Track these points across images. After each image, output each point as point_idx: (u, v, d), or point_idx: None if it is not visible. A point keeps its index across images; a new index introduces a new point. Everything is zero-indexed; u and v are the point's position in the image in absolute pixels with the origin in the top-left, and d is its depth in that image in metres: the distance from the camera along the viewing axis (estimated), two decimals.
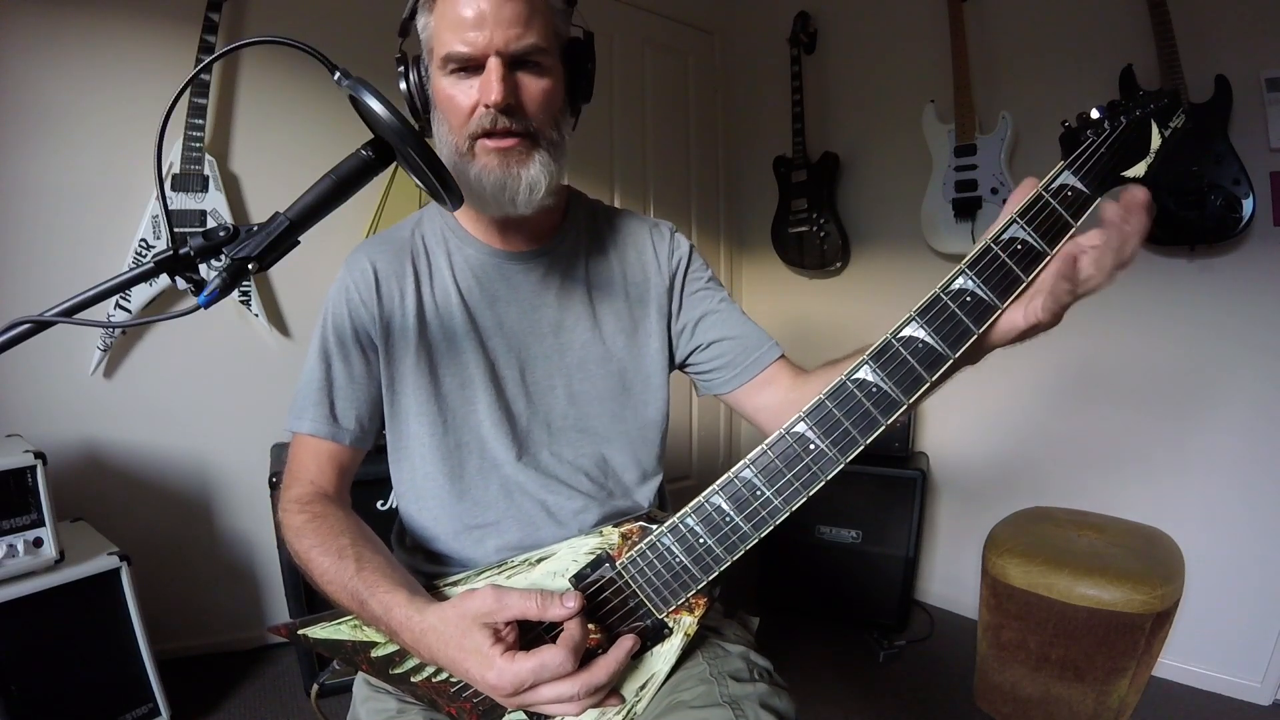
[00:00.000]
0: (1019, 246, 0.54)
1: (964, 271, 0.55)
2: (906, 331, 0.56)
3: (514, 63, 0.69)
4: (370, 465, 0.83)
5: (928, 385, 0.56)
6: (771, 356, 0.85)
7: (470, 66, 0.69)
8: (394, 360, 0.80)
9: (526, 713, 0.69)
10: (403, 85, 0.76)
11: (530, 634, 0.66)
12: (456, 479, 0.81)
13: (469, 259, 0.83)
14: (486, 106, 0.68)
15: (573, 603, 0.62)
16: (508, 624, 0.61)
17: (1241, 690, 1.72)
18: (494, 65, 0.67)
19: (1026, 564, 1.54)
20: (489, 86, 0.67)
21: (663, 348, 0.87)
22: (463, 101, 0.70)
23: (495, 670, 0.58)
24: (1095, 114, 0.56)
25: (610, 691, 0.66)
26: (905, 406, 0.56)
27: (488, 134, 0.70)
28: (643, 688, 0.69)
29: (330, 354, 0.80)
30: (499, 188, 0.71)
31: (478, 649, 0.59)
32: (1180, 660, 1.79)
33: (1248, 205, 1.58)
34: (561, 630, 0.63)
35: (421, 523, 0.83)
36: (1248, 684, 1.72)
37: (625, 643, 0.65)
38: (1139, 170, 0.56)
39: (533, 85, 0.71)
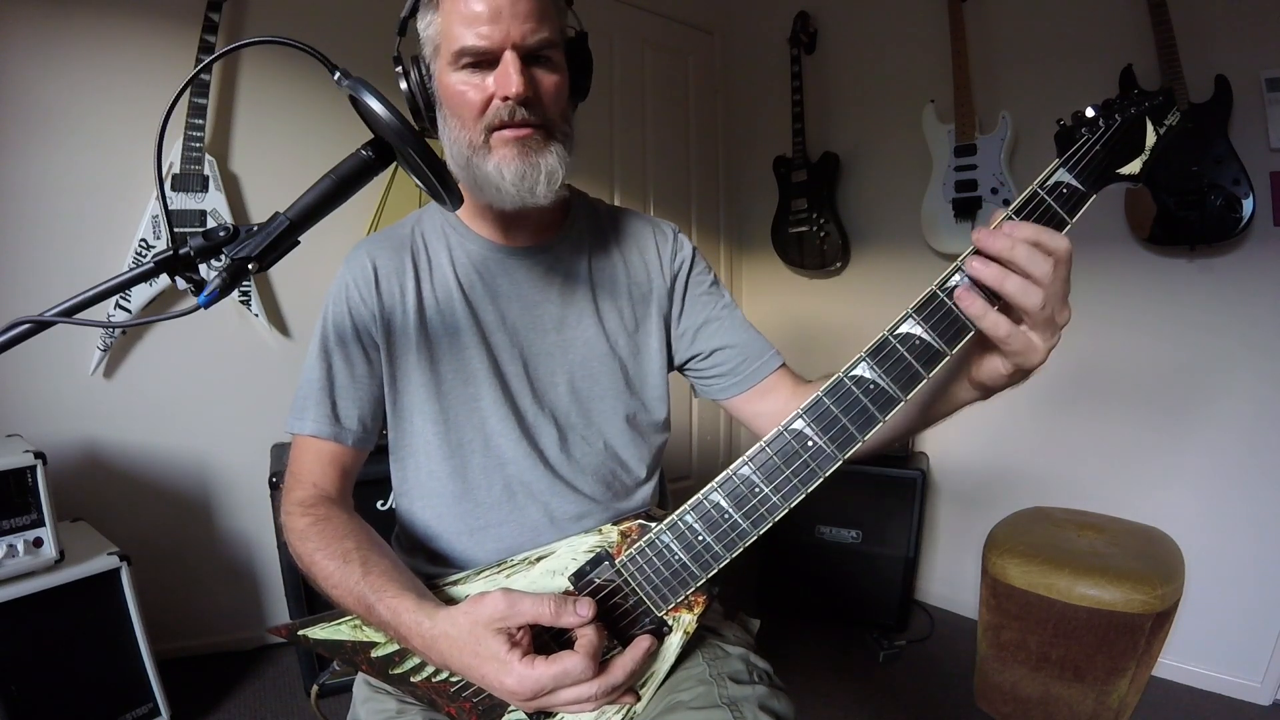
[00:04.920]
0: None
1: (961, 269, 0.55)
2: (904, 329, 0.56)
3: (528, 57, 0.69)
4: (370, 465, 0.83)
5: (924, 381, 0.56)
6: (772, 366, 0.85)
7: (484, 61, 0.69)
8: (395, 357, 0.80)
9: (527, 714, 0.69)
10: (404, 85, 0.75)
11: (539, 637, 0.66)
12: (460, 478, 0.80)
13: (471, 254, 0.83)
14: (505, 99, 0.68)
15: (586, 610, 0.62)
16: (520, 629, 0.61)
17: (1241, 690, 1.72)
18: (511, 58, 0.67)
19: (1026, 564, 1.54)
20: (508, 79, 0.67)
21: (662, 348, 0.88)
22: (475, 96, 0.69)
23: (515, 676, 0.58)
24: (1090, 112, 0.56)
25: (626, 690, 0.66)
26: (903, 403, 0.56)
27: (504, 126, 0.70)
28: (642, 686, 0.69)
29: (331, 352, 0.79)
30: (519, 177, 0.71)
31: (494, 655, 0.59)
32: (1180, 660, 1.79)
33: (1248, 205, 1.58)
34: (568, 633, 0.63)
35: (424, 521, 0.83)
36: (1248, 684, 1.72)
37: (642, 643, 0.65)
38: (1134, 168, 0.56)
39: (546, 79, 0.71)
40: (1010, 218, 0.55)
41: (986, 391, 0.64)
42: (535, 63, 0.70)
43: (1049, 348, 0.57)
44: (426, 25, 0.72)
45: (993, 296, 0.54)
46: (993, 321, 0.54)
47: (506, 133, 0.70)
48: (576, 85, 0.78)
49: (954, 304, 0.55)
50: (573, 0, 0.77)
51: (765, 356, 0.85)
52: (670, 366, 0.90)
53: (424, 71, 0.74)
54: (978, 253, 0.54)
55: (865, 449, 0.59)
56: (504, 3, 0.66)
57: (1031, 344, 0.56)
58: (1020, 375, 0.60)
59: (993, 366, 0.60)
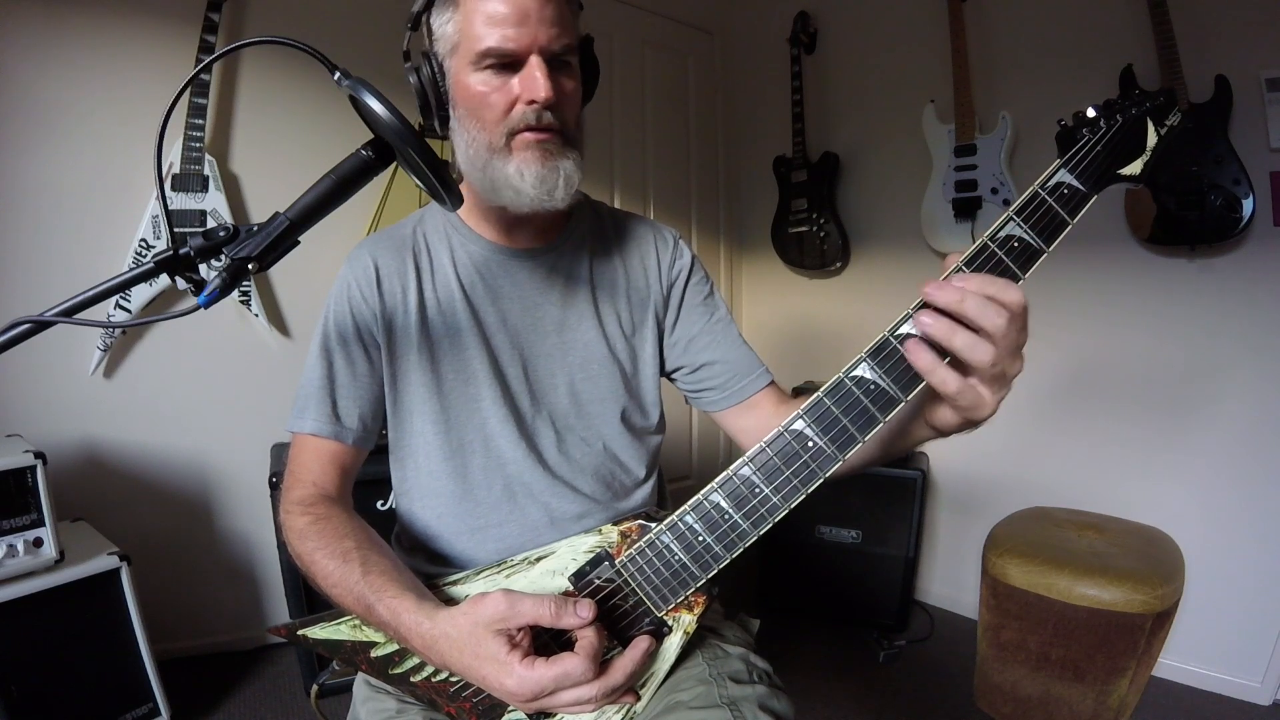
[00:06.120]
0: (1015, 244, 0.55)
1: (961, 270, 0.55)
2: (904, 329, 0.56)
3: (551, 61, 0.69)
4: (370, 465, 0.83)
5: (924, 383, 0.55)
6: (759, 385, 0.86)
7: (507, 63, 0.68)
8: (396, 357, 0.80)
9: (527, 715, 0.69)
10: (414, 80, 0.73)
11: (538, 637, 0.65)
12: (460, 478, 0.80)
13: (472, 255, 0.83)
14: (531, 103, 0.68)
15: (587, 611, 0.62)
16: (521, 630, 0.61)
17: (1241, 690, 1.73)
18: (537, 62, 0.67)
19: (1026, 564, 1.54)
20: (535, 84, 0.67)
21: (655, 354, 0.88)
22: (499, 99, 0.69)
23: (515, 678, 0.58)
24: (1091, 112, 0.56)
25: (626, 690, 0.66)
26: (903, 404, 0.56)
27: (528, 129, 0.70)
28: (642, 686, 0.69)
29: (332, 351, 0.79)
30: (539, 180, 0.71)
31: (494, 656, 0.59)
32: (1180, 660, 1.79)
33: (1248, 205, 1.58)
34: (568, 633, 0.63)
35: (424, 521, 0.83)
36: (1248, 684, 1.72)
37: (641, 643, 0.65)
38: (1135, 168, 0.56)
39: (567, 84, 0.71)
40: (1012, 218, 0.55)
41: (940, 434, 0.64)
42: (557, 67, 0.70)
43: (999, 400, 0.55)
44: (444, 22, 0.71)
45: (943, 350, 0.53)
46: (941, 378, 0.53)
47: (529, 135, 0.70)
48: (585, 88, 0.78)
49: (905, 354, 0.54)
50: (583, 6, 0.76)
51: (754, 374, 0.86)
52: (661, 372, 0.90)
53: (436, 68, 0.73)
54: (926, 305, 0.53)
55: (838, 473, 0.59)
56: (532, 6, 0.66)
57: (980, 399, 0.54)
58: (970, 425, 0.59)
59: (943, 414, 0.60)
